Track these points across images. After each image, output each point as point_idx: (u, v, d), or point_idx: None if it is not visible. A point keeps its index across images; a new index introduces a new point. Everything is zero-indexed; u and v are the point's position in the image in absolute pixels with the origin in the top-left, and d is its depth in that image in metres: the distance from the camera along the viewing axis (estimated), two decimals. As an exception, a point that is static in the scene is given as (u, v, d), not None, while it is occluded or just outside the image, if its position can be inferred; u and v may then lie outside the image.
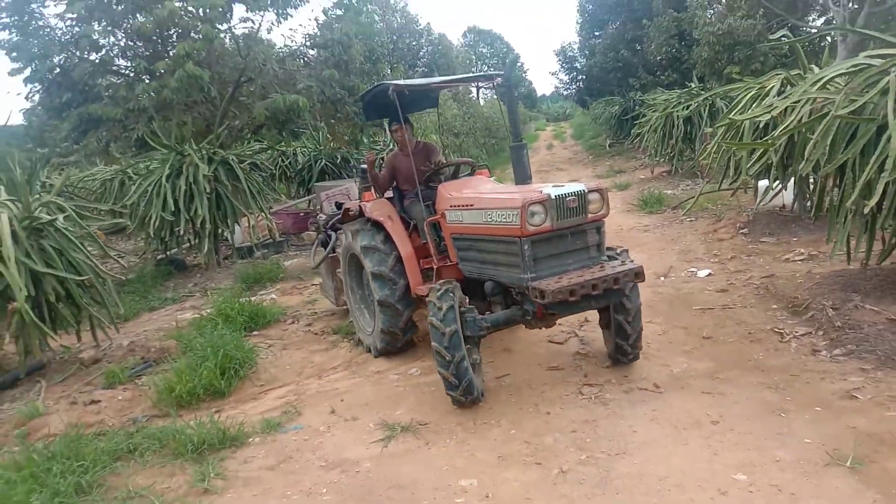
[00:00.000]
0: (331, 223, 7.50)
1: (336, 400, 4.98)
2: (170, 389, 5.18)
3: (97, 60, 10.49)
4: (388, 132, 6.37)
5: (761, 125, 7.19)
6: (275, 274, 9.67)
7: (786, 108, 6.00)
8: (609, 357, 4.99)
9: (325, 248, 7.21)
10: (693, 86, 15.47)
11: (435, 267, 5.38)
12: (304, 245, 12.35)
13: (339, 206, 7.63)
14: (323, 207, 12.12)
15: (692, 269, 7.40)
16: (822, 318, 5.19)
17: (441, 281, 4.54)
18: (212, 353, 5.46)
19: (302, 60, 12.05)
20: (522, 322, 4.64)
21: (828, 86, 5.63)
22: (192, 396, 5.14)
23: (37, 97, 11.47)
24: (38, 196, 6.97)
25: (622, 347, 4.72)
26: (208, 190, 9.42)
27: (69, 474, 3.83)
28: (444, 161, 6.00)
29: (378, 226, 5.64)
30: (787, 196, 8.90)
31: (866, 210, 4.66)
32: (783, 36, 7.09)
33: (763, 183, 8.03)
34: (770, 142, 5.86)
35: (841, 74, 5.41)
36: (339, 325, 6.92)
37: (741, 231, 8.61)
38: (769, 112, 5.92)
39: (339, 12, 12.84)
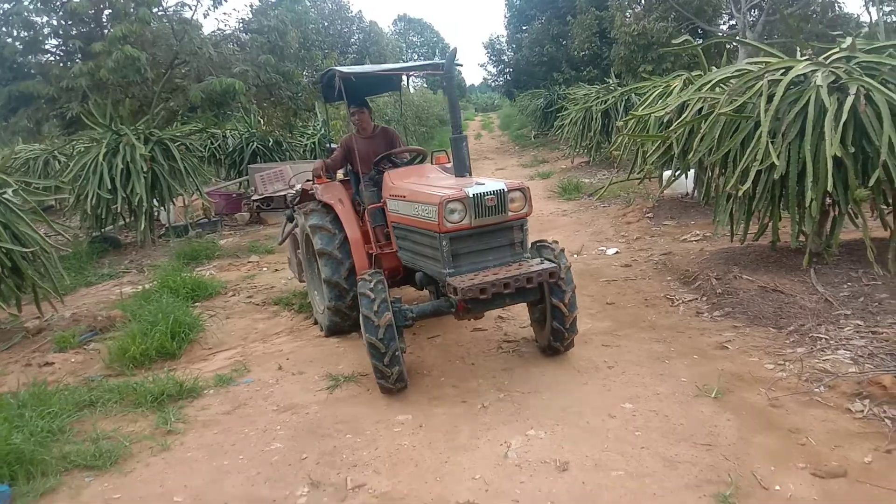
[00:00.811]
0: (297, 201, 7.51)
1: (282, 359, 5.48)
2: (123, 351, 5.54)
3: (27, 38, 10.42)
4: (324, 116, 6.33)
5: (665, 120, 8.06)
6: (211, 251, 9.98)
7: (683, 105, 6.86)
8: (542, 350, 4.99)
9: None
10: (611, 82, 16.50)
11: (373, 253, 5.43)
12: (237, 225, 12.64)
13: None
14: (257, 188, 12.45)
15: (602, 248, 8.24)
16: (707, 287, 6.07)
17: (369, 272, 4.58)
18: (162, 318, 5.86)
19: (236, 45, 12.24)
20: (448, 314, 4.64)
21: (717, 87, 6.50)
22: (145, 357, 5.52)
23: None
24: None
25: (559, 332, 4.64)
26: (145, 169, 9.63)
27: (39, 419, 4.21)
28: (405, 147, 5.97)
29: (330, 207, 5.73)
30: (689, 184, 9.90)
31: (741, 193, 5.52)
32: (685, 40, 7.89)
33: (668, 173, 8.96)
34: (665, 135, 6.70)
35: (727, 77, 6.27)
36: (278, 297, 7.39)
37: (647, 215, 9.55)
38: (664, 109, 6.75)
39: None
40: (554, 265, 4.27)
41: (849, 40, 5.83)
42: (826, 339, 4.72)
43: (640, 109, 8.29)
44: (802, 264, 5.83)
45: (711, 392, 4.10)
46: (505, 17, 32.81)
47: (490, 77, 39.18)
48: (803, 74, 5.67)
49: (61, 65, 10.46)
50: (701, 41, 12.65)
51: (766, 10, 14.59)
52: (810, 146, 5.28)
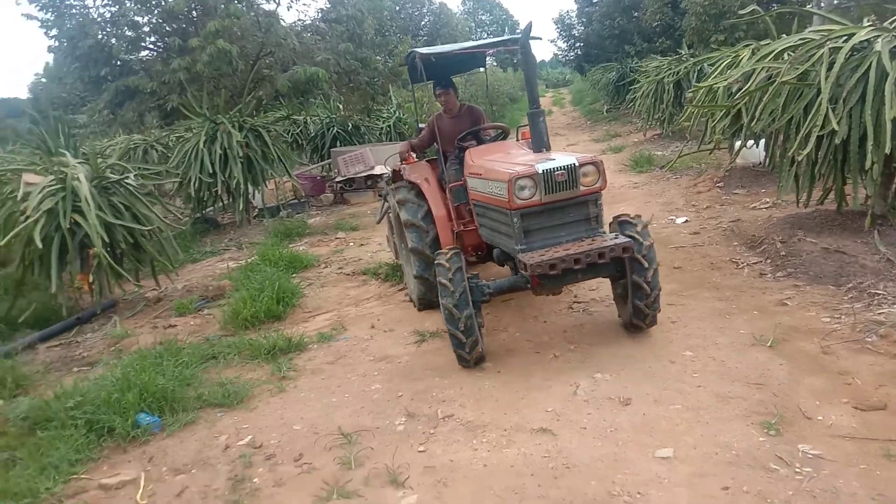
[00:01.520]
0: (390, 181, 7.35)
1: (374, 320, 6.12)
2: (236, 314, 6.30)
3: (132, 37, 11.45)
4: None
5: (734, 90, 8.22)
6: (302, 229, 10.78)
7: (749, 74, 7.05)
8: (624, 326, 4.98)
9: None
10: (683, 53, 16.40)
11: (455, 230, 5.56)
12: (322, 206, 13.44)
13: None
14: (340, 170, 13.20)
15: (671, 217, 8.51)
16: (772, 250, 6.32)
17: (447, 247, 4.78)
18: (269, 285, 6.61)
19: (317, 34, 12.98)
20: (525, 289, 4.68)
21: (784, 55, 6.67)
22: (255, 319, 6.26)
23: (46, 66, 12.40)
24: (102, 160, 8.06)
25: (641, 310, 4.58)
26: (241, 154, 10.48)
27: (174, 367, 4.99)
28: (489, 125, 6.01)
29: (416, 186, 5.88)
30: (760, 153, 9.96)
31: (801, 157, 5.75)
32: (753, 10, 7.98)
33: (739, 143, 9.09)
34: (730, 104, 6.92)
35: (790, 46, 6.43)
36: (366, 268, 8.05)
37: (717, 185, 9.70)
38: (726, 80, 6.96)
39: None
40: (628, 240, 4.21)
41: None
42: (884, 294, 4.95)
43: (709, 80, 8.47)
44: (865, 226, 6.00)
45: (767, 342, 4.45)
46: (575, -9, 32.54)
47: (560, 53, 38.96)
48: (866, 40, 5.81)
49: (160, 60, 11.41)
50: (775, 7, 12.45)
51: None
52: (871, 111, 5.43)
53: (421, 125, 6.70)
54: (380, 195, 7.43)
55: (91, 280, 7.18)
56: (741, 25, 15.46)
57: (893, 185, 6.16)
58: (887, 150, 5.21)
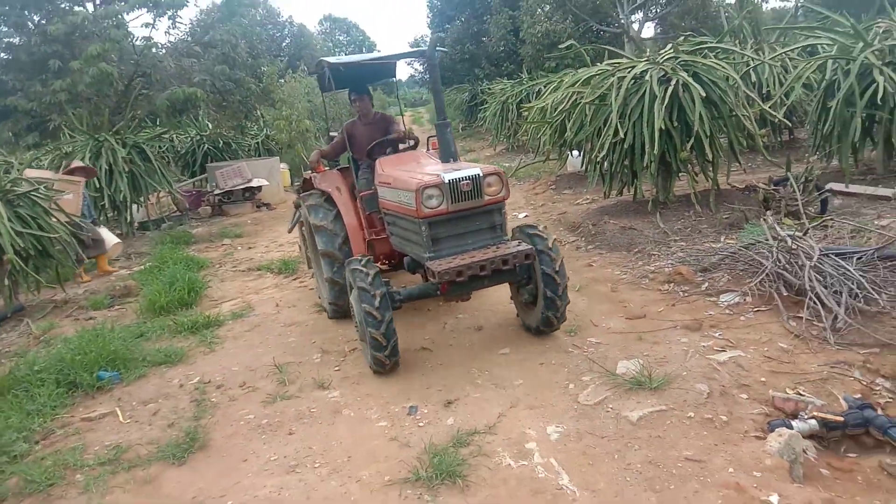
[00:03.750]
0: (301, 190, 7.27)
1: (276, 301, 7.35)
2: (152, 303, 7.28)
3: (8, 59, 11.81)
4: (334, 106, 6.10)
5: (557, 109, 10.24)
6: (188, 238, 11.64)
7: (565, 96, 9.02)
8: (531, 329, 5.13)
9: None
10: (523, 77, 18.79)
11: (366, 239, 5.69)
12: (201, 218, 14.22)
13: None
14: (218, 183, 14.09)
15: (515, 213, 10.38)
16: (585, 231, 8.27)
17: (359, 255, 4.87)
18: (180, 278, 7.64)
19: (194, 57, 13.85)
20: (435, 296, 4.83)
21: (588, 82, 8.67)
22: (170, 307, 7.27)
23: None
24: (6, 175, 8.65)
25: (553, 301, 4.74)
26: (126, 170, 11.21)
27: (115, 339, 5.98)
28: (396, 135, 6.09)
29: (327, 194, 5.97)
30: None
31: (599, 159, 7.72)
32: (571, 44, 10.05)
33: (575, 153, 11.16)
34: (547, 121, 8.88)
35: (592, 76, 8.44)
36: (260, 265, 9.21)
37: (551, 187, 11.79)
38: (544, 103, 8.92)
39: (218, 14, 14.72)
40: (530, 247, 4.44)
41: (669, 46, 8.08)
42: (657, 255, 6.94)
43: (538, 101, 10.46)
44: (649, 209, 8.09)
45: (576, 287, 6.22)
46: (427, 17, 34.90)
47: (417, 73, 41.27)
48: (644, 71, 7.89)
49: (39, 82, 11.83)
50: (592, 41, 14.93)
51: (645, 13, 17.15)
52: (647, 123, 7.49)
53: (332, 133, 6.82)
54: (294, 204, 7.36)
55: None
56: (569, 54, 18.03)
57: (668, 179, 8.31)
58: (656, 152, 7.25)
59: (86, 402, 5.03)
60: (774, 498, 2.90)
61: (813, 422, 3.59)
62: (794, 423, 3.60)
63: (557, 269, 4.68)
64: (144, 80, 13.23)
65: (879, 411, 3.63)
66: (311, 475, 3.60)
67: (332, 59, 5.55)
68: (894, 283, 4.94)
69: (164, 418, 4.59)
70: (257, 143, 19.22)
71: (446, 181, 4.31)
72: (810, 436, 3.55)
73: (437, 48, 4.99)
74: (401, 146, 6.01)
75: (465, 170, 4.42)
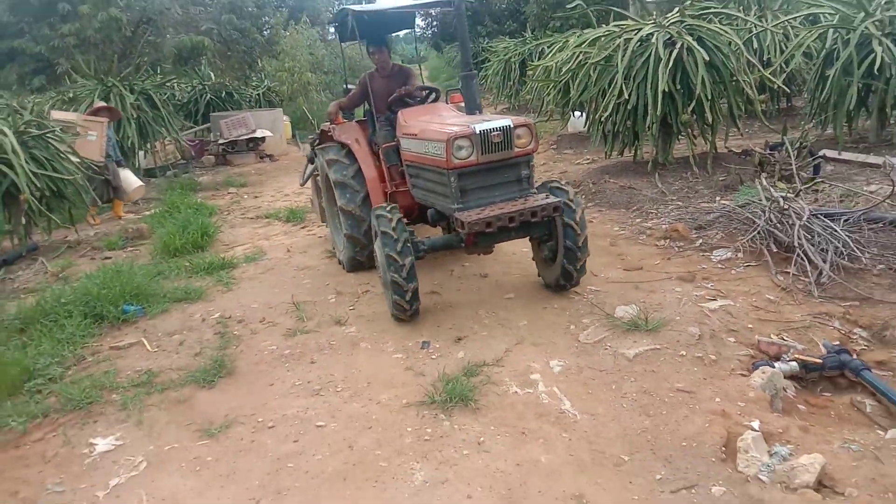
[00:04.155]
0: (316, 142, 7.20)
1: (287, 247, 7.63)
2: (167, 245, 7.54)
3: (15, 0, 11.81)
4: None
5: (562, 69, 10.40)
6: (193, 186, 11.85)
7: (571, 56, 9.19)
8: (550, 285, 5.17)
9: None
10: (527, 36, 18.76)
11: (388, 191, 5.63)
12: (205, 167, 14.39)
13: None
14: (223, 133, 14.23)
15: (517, 171, 10.61)
16: (586, 189, 8.54)
17: (386, 207, 4.78)
18: (193, 221, 7.89)
19: (201, 6, 13.85)
20: (459, 248, 4.85)
21: (594, 43, 8.84)
22: (183, 249, 7.53)
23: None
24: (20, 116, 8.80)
25: (573, 252, 4.75)
26: (134, 115, 11.35)
27: (138, 277, 6.26)
28: (419, 86, 6.06)
29: (346, 146, 5.93)
30: (584, 123, 12.36)
31: (603, 119, 7.94)
32: (577, 5, 10.14)
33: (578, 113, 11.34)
34: (554, 80, 9.06)
35: (598, 36, 8.61)
36: (268, 212, 9.46)
37: (552, 147, 12.01)
38: (550, 62, 9.09)
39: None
40: (558, 199, 4.42)
41: (676, 9, 8.23)
42: (655, 213, 7.23)
43: (544, 60, 10.61)
44: (648, 170, 8.35)
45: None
46: (430, -29, 34.37)
47: (418, 30, 40.86)
48: (650, 33, 8.06)
49: (47, 24, 11.85)
50: (599, 1, 14.88)
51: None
52: (651, 85, 7.69)
53: (349, 85, 6.73)
54: (307, 157, 7.40)
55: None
56: (574, 15, 18.01)
57: (669, 141, 8.56)
58: (658, 114, 7.48)
59: (112, 332, 5.33)
60: (756, 423, 3.24)
61: (794, 364, 3.95)
62: (777, 364, 3.95)
63: (578, 220, 4.67)
64: (151, 27, 13.23)
65: (855, 356, 3.98)
66: (334, 398, 3.93)
67: (356, 7, 5.49)
68: (877, 242, 5.27)
69: (190, 348, 4.90)
70: (258, 94, 19.23)
71: (477, 132, 4.27)
72: (791, 376, 3.90)
73: None
74: (422, 98, 5.96)
75: (496, 121, 4.39)
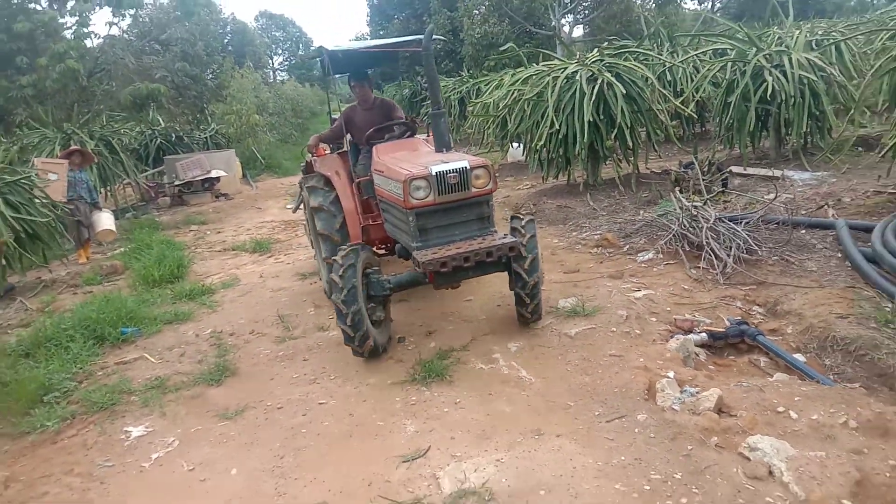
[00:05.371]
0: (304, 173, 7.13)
1: (259, 273, 8.30)
2: (145, 278, 8.10)
3: (-27, 55, 12.21)
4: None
5: (500, 105, 11.48)
6: (155, 225, 12.34)
7: (507, 93, 10.26)
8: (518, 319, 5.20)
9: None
10: (464, 75, 20.00)
11: (362, 224, 5.75)
12: (161, 208, 14.84)
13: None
14: (178, 175, 14.77)
15: (463, 198, 11.55)
16: (527, 210, 9.52)
17: (349, 244, 4.87)
18: (168, 255, 8.48)
19: (153, 56, 14.47)
20: (425, 284, 4.89)
21: (527, 81, 9.92)
22: (161, 280, 8.10)
23: None
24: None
25: (521, 298, 4.88)
26: (95, 161, 11.83)
27: (126, 303, 6.83)
28: (393, 121, 6.08)
29: (327, 178, 6.01)
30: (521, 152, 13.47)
31: (538, 148, 8.97)
32: (509, 47, 11.30)
33: (515, 144, 12.41)
34: (491, 115, 10.11)
35: (530, 75, 9.70)
36: (233, 245, 10.09)
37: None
38: (489, 99, 10.15)
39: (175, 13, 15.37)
40: (515, 239, 4.46)
41: (595, 50, 9.41)
42: (587, 227, 8.24)
43: (483, 97, 11.69)
44: (580, 190, 9.41)
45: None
46: (367, 15, 35.80)
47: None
48: (574, 71, 9.19)
49: (4, 77, 12.28)
50: (527, 45, 16.27)
51: (573, 19, 18.67)
52: (578, 116, 8.78)
53: (334, 116, 6.81)
54: (299, 185, 7.22)
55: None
56: (507, 55, 19.39)
57: (597, 164, 9.65)
58: (586, 141, 8.55)
59: (114, 351, 5.91)
60: (671, 374, 4.15)
61: (703, 334, 4.91)
62: (690, 335, 4.90)
63: (527, 266, 4.72)
64: (105, 77, 13.77)
65: (753, 327, 4.97)
66: (329, 384, 4.67)
67: (331, 46, 5.68)
68: (772, 239, 6.37)
69: (192, 357, 5.55)
70: (206, 137, 19.79)
71: (433, 173, 4.33)
72: (702, 345, 4.86)
73: (434, 37, 5.03)
74: (398, 133, 6.02)
75: (453, 162, 4.43)
